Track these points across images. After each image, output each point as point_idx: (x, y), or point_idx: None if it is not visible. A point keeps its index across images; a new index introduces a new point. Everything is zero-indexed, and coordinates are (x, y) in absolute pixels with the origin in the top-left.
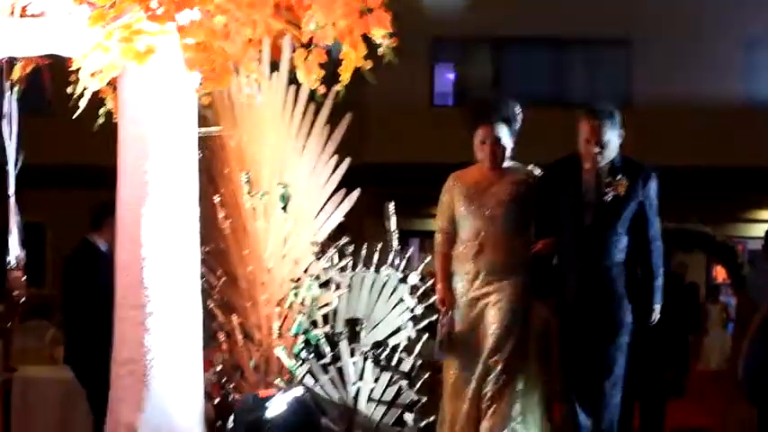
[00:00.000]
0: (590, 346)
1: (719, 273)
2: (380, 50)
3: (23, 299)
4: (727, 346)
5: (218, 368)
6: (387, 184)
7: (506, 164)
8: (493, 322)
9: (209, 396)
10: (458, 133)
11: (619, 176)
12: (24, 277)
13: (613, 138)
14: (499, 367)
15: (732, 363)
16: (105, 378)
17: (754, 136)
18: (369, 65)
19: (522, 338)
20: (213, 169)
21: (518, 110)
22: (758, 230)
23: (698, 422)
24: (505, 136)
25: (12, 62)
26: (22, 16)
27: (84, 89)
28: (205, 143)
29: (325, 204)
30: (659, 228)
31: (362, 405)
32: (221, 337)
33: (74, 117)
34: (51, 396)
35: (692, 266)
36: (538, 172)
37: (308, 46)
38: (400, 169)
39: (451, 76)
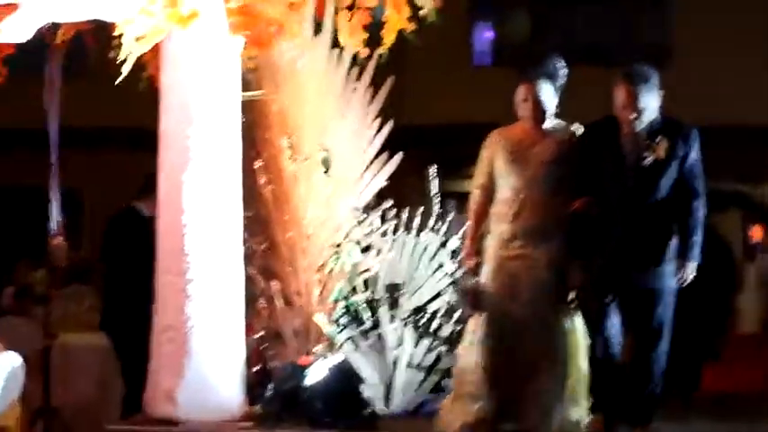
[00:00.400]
0: (633, 313)
1: (756, 232)
2: (423, 12)
3: (65, 264)
4: (762, 308)
5: (259, 335)
6: (427, 145)
7: (549, 122)
8: (527, 295)
9: (249, 363)
10: (498, 93)
11: (658, 138)
12: (66, 243)
13: (652, 101)
14: (536, 346)
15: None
16: (140, 345)
17: None
18: (412, 27)
19: (558, 308)
20: (255, 134)
21: (561, 65)
22: None
23: (735, 385)
24: (548, 93)
25: (54, 28)
26: None
27: (129, 54)
28: (247, 108)
29: (367, 168)
30: (703, 189)
31: (402, 371)
32: (262, 303)
33: (117, 82)
34: (89, 363)
35: (726, 226)
36: (581, 132)
37: (351, 8)
38: (441, 130)
39: (490, 34)
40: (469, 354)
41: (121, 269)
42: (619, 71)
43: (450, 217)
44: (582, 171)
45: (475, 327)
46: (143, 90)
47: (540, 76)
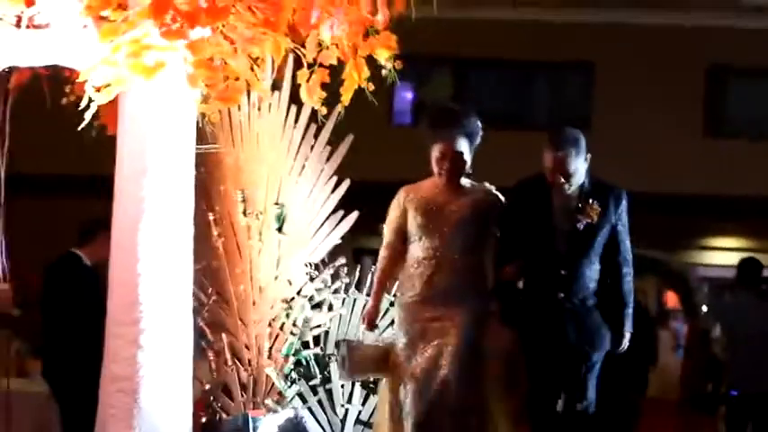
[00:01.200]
0: (566, 375)
1: (670, 298)
2: (384, 72)
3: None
4: (675, 374)
5: (207, 387)
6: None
7: (463, 181)
8: (446, 359)
9: (195, 415)
10: (415, 150)
11: (591, 201)
12: (10, 289)
13: (580, 165)
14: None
15: (682, 390)
16: (83, 393)
17: (711, 164)
18: (371, 87)
19: (477, 371)
20: (209, 187)
21: (479, 125)
22: (710, 258)
23: None
24: (466, 151)
25: (10, 71)
26: (28, 27)
27: (90, 102)
28: (202, 160)
29: (321, 225)
30: (631, 252)
31: (350, 427)
32: (210, 355)
33: (79, 129)
34: (25, 410)
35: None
36: (494, 190)
37: (310, 66)
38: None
39: (410, 95)
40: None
41: (62, 316)
42: (546, 135)
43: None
44: (508, 232)
45: (390, 398)
46: (91, 139)
47: (458, 135)
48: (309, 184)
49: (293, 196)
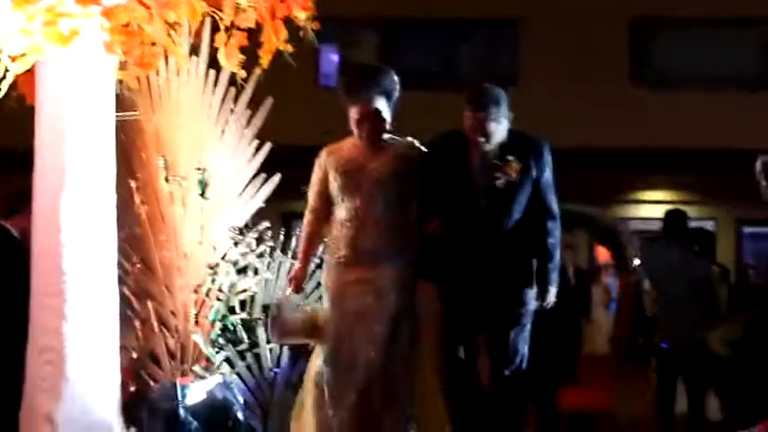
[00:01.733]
0: (490, 335)
1: (601, 253)
2: (301, 33)
3: None
4: (608, 328)
5: (134, 355)
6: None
7: (385, 137)
8: (376, 320)
9: (124, 383)
10: (341, 113)
11: (509, 158)
12: None
13: (500, 125)
14: (387, 370)
15: (615, 344)
16: (11, 368)
17: (638, 117)
18: (291, 49)
19: (410, 334)
20: (130, 154)
21: (395, 81)
22: (640, 211)
23: (590, 406)
24: (385, 110)
25: None
26: None
27: (6, 72)
28: (122, 127)
29: (244, 189)
30: (556, 206)
31: (279, 392)
32: (137, 323)
33: None
34: None
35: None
36: (417, 144)
37: (228, 29)
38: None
39: (336, 57)
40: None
41: None
42: (465, 94)
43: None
44: (428, 187)
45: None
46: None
47: (375, 94)
48: (231, 148)
49: (215, 161)
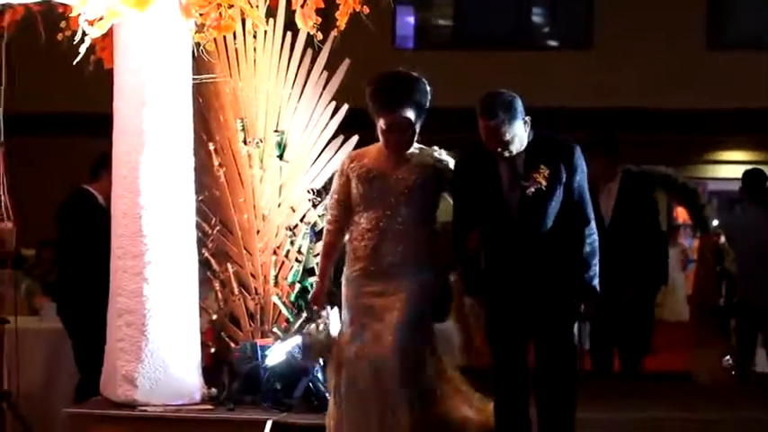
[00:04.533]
0: (536, 346)
1: (680, 214)
2: None
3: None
4: (684, 291)
5: (214, 317)
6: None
7: (412, 147)
8: (388, 339)
9: (204, 345)
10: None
11: (536, 165)
12: (13, 227)
13: (517, 130)
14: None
15: (693, 305)
16: (95, 329)
17: (715, 77)
18: (367, 10)
19: (430, 342)
20: (208, 117)
21: (427, 91)
22: (718, 171)
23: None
24: (414, 120)
25: (3, 10)
26: None
27: (84, 36)
28: (200, 90)
29: (322, 151)
30: (591, 211)
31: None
32: (216, 286)
33: (73, 64)
34: (38, 347)
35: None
36: (445, 155)
37: None
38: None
39: (412, 19)
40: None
41: (77, 254)
42: (476, 105)
43: None
44: (462, 204)
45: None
46: (90, 74)
47: (406, 104)
48: (308, 110)
49: (293, 123)
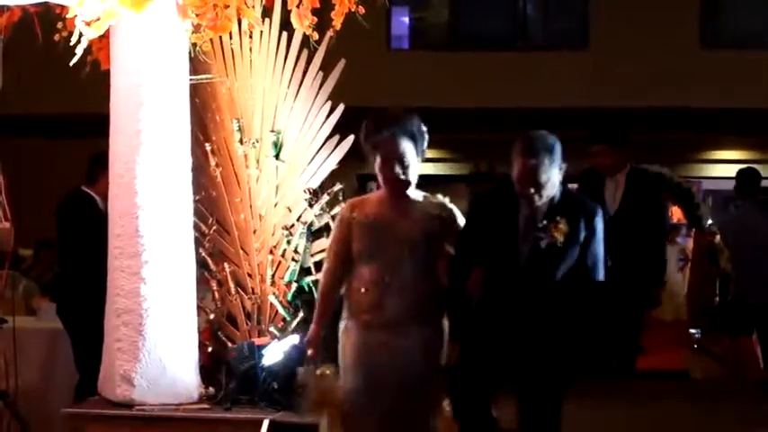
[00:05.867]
0: (521, 403)
1: (675, 213)
2: None
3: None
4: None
5: (211, 317)
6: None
7: (414, 194)
8: (399, 386)
9: (202, 345)
10: (412, 75)
11: (558, 218)
12: (11, 227)
13: (553, 175)
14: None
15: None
16: (95, 330)
17: (708, 76)
18: (362, 11)
19: (435, 398)
20: (204, 117)
21: (423, 128)
22: (712, 171)
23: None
24: (411, 153)
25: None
26: None
27: (81, 37)
28: (196, 90)
29: (318, 151)
30: (602, 276)
31: None
32: (213, 285)
33: (70, 65)
34: (35, 347)
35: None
36: (450, 205)
37: None
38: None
39: (407, 19)
40: None
41: (76, 254)
42: (517, 140)
43: None
44: (470, 238)
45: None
46: (87, 75)
47: (400, 135)
48: (304, 110)
49: (289, 123)
